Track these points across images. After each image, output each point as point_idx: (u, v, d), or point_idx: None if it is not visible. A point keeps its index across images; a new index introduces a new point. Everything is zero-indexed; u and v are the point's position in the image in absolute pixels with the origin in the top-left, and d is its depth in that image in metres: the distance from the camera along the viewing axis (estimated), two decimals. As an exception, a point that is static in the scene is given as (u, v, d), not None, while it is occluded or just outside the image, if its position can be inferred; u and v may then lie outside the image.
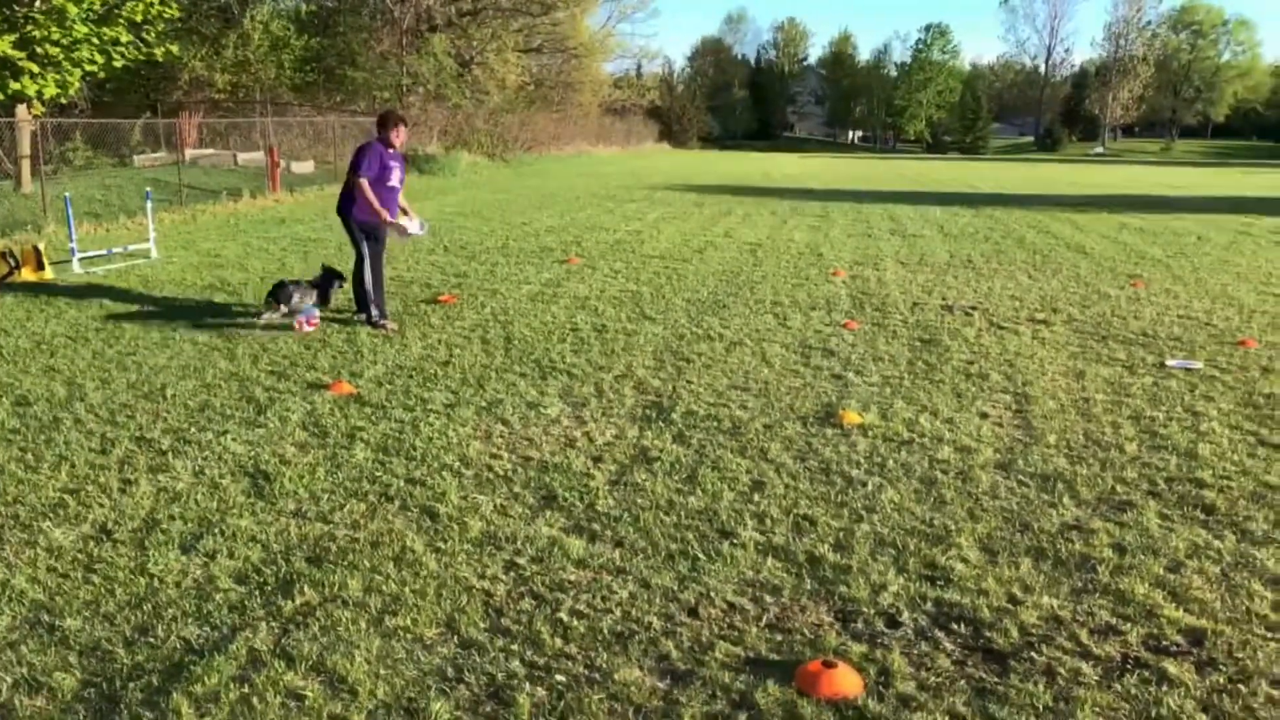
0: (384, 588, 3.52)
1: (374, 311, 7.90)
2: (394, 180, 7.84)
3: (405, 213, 8.13)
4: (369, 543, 3.89)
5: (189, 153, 23.63)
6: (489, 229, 15.20)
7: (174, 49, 18.90)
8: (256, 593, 3.46)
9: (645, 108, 70.55)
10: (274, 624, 3.25)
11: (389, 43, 35.49)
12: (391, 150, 7.84)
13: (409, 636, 3.19)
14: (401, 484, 4.53)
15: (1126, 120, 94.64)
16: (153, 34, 17.28)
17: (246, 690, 2.87)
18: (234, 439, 5.10)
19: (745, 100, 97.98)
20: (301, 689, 2.88)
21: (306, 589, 3.49)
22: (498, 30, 41.06)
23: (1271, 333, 8.16)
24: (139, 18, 16.32)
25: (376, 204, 7.65)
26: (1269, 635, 3.31)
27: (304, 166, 24.81)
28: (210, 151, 25.51)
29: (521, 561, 3.75)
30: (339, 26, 35.08)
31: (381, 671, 2.98)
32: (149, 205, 12.06)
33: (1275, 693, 2.97)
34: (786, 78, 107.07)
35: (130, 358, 6.78)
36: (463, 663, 3.04)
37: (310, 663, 3.02)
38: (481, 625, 3.27)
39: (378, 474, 4.65)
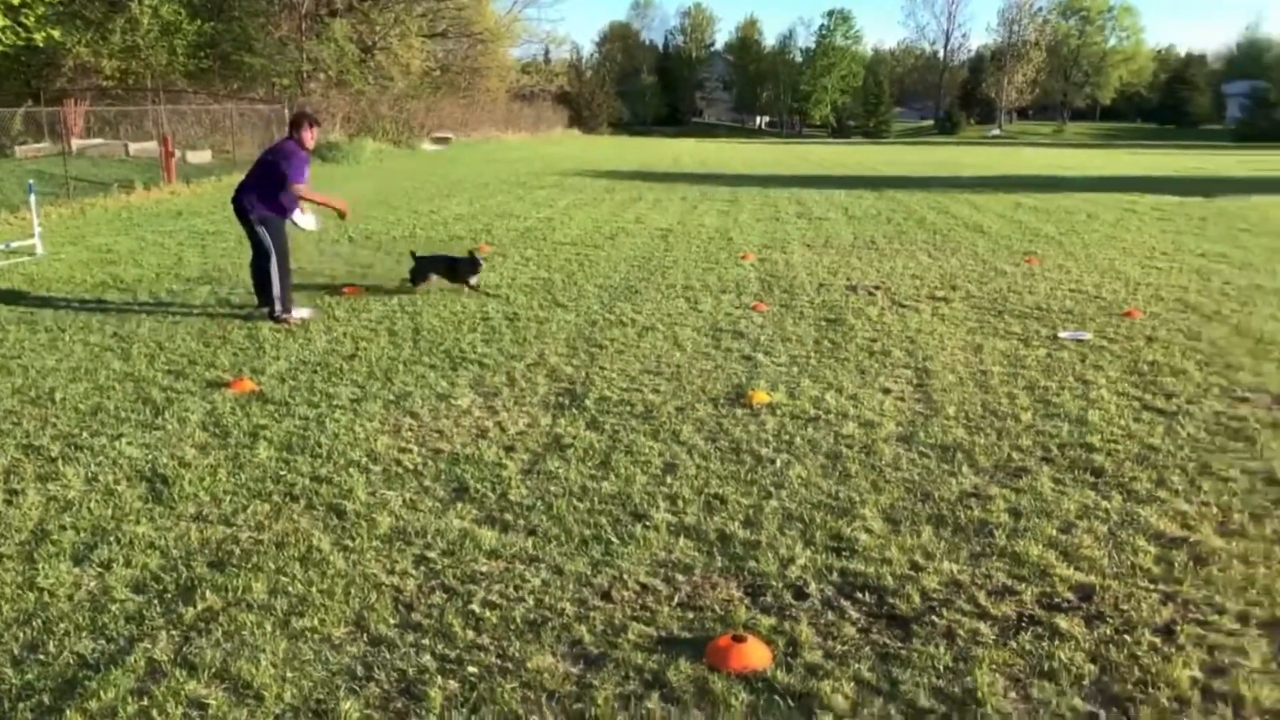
0: (290, 589, 3.44)
1: (279, 306, 7.73)
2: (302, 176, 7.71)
3: (301, 209, 8.10)
4: (274, 544, 3.81)
5: (76, 143, 22.62)
6: (395, 218, 14.94)
7: (55, 34, 18.06)
8: (155, 601, 3.36)
9: (554, 93, 70.04)
10: (174, 632, 3.15)
11: (288, 27, 34.54)
12: (305, 152, 7.79)
13: (316, 637, 3.13)
14: (307, 482, 4.43)
15: (1021, 103, 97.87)
16: (32, 18, 16.49)
17: (146, 703, 2.78)
18: (129, 442, 4.92)
19: (654, 86, 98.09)
20: (204, 698, 2.81)
21: (209, 594, 3.39)
22: (400, 15, 40.28)
23: (1155, 304, 8.56)
24: (16, 1, 15.52)
25: (318, 202, 8.12)
26: (1152, 588, 3.48)
27: (201, 156, 23.98)
28: (99, 141, 24.44)
29: (432, 555, 3.71)
30: (234, 10, 33.91)
31: (289, 674, 2.92)
32: (33, 199, 11.51)
33: (1157, 640, 3.13)
34: (694, 63, 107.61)
35: (15, 361, 6.48)
36: (373, 660, 3.00)
37: (213, 670, 2.94)
38: (391, 621, 3.23)
39: (282, 473, 4.55)
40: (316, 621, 3.22)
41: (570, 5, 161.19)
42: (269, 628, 3.18)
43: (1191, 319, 7.91)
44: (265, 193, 7.69)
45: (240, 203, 7.76)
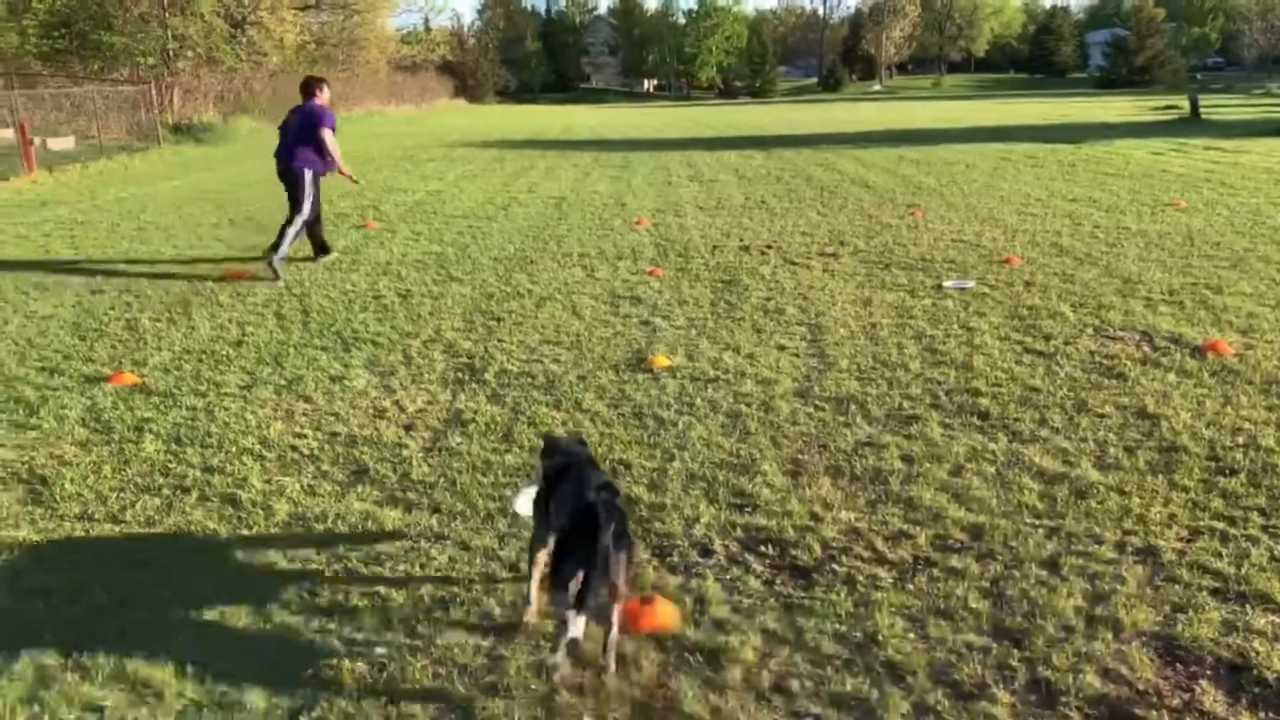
0: (187, 583, 3.34)
1: (282, 250, 8.61)
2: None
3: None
4: (166, 539, 3.68)
5: (-81, 134, 21.09)
6: (277, 198, 14.40)
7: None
8: (42, 605, 3.21)
9: (437, 64, 68.41)
10: (65, 636, 3.03)
11: (148, 3, 32.71)
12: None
13: (217, 630, 3.05)
14: (198, 474, 4.29)
15: (900, 58, 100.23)
16: None
17: (37, 710, 2.67)
18: (1, 444, 4.67)
19: (539, 53, 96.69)
20: (100, 699, 2.71)
21: (99, 594, 3.27)
22: (269, -14, 38.58)
23: (1032, 249, 8.92)
24: None
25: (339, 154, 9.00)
26: (1037, 523, 3.66)
27: (63, 143, 22.62)
28: (-55, 131, 22.84)
29: (334, 539, 3.64)
30: (88, -15, 31.95)
31: (190, 670, 2.84)
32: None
33: (1044, 573, 3.30)
34: (578, 28, 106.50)
35: None
36: (278, 648, 2.94)
37: (108, 671, 2.84)
38: (295, 608, 3.16)
39: (171, 466, 4.39)
40: (217, 614, 3.13)
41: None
42: (163, 624, 3.08)
43: (1065, 262, 8.28)
44: (310, 148, 8.86)
45: (290, 165, 8.84)
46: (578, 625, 2.57)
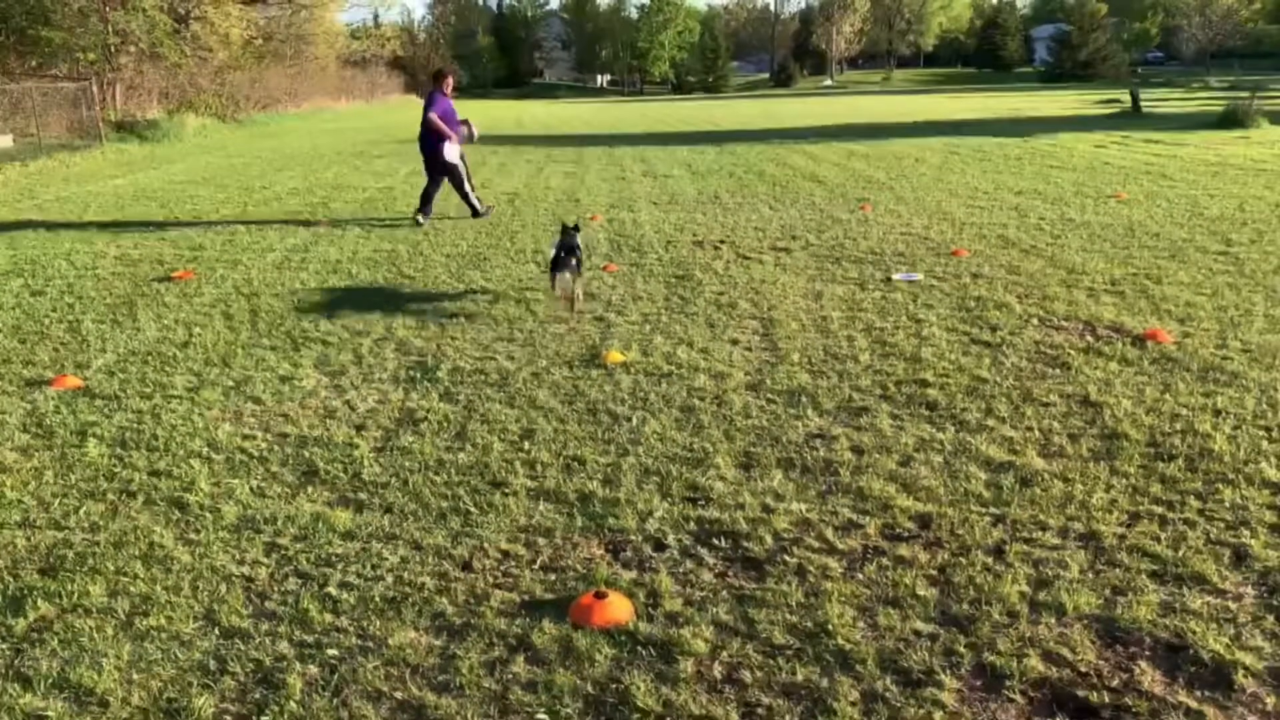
0: (132, 589, 3.28)
1: (478, 206, 11.41)
2: (456, 118, 11.18)
3: (447, 137, 10.93)
4: (111, 544, 3.61)
5: None
6: (225, 196, 14.20)
7: None
8: (-19, 616, 3.14)
9: (387, 59, 67.70)
10: (4, 646, 2.96)
11: (87, -3, 31.90)
12: (443, 96, 11.04)
13: (164, 635, 3.00)
14: (144, 477, 4.21)
15: (850, 53, 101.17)
16: None
17: (-23, 722, 2.62)
18: (-62, 452, 4.55)
19: (491, 47, 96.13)
20: (42, 710, 2.66)
21: (40, 603, 3.20)
22: (214, -20, 37.83)
23: (978, 242, 9.06)
24: None
25: (444, 128, 10.85)
26: (984, 511, 3.73)
27: (0, 141, 22.07)
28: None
29: (283, 541, 3.61)
30: (23, -20, 31.07)
31: (135, 676, 2.79)
32: None
33: (990, 560, 3.37)
34: (531, 23, 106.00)
35: None
36: (226, 653, 2.90)
37: (51, 680, 2.78)
38: (244, 612, 3.13)
39: (116, 470, 4.31)
40: (163, 620, 3.08)
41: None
42: (110, 631, 3.03)
43: (1012, 254, 8.43)
44: (426, 131, 10.97)
45: (421, 143, 11.19)
46: (567, 280, 6.72)
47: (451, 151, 10.96)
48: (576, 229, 7.18)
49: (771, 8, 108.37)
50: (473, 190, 11.41)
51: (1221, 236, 8.98)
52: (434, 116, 10.78)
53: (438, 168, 11.06)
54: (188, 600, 3.21)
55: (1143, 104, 28.41)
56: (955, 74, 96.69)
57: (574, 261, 6.75)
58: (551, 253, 6.96)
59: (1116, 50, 77.55)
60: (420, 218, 11.08)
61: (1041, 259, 8.21)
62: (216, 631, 3.02)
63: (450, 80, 11.32)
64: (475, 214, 11.30)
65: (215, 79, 35.57)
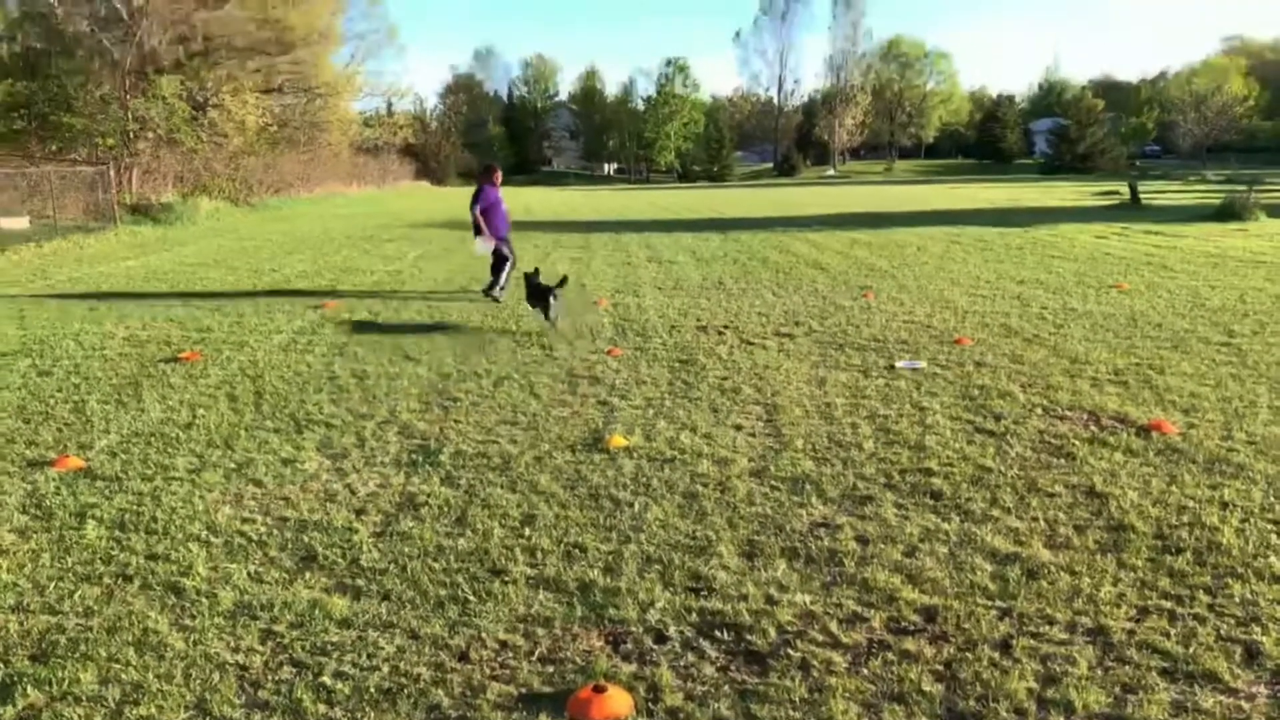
0: (123, 676, 3.23)
1: (499, 291, 11.67)
2: (502, 207, 11.70)
3: (481, 232, 11.36)
4: (105, 629, 3.56)
5: None
6: (234, 278, 14.38)
7: None
8: (-32, 704, 3.08)
9: (400, 146, 69.18)
10: (-9, 736, 2.90)
11: (110, 85, 32.85)
12: (492, 188, 11.53)
13: (154, 726, 2.94)
14: (141, 561, 4.18)
15: (852, 144, 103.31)
16: None
17: (-43, 816, 2.55)
18: (-64, 533, 4.52)
19: (501, 136, 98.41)
20: (26, 804, 2.59)
21: (30, 690, 3.14)
22: (233, 71, 39.00)
23: (981, 330, 9.11)
24: None
25: (482, 224, 11.35)
26: (990, 604, 3.68)
27: (17, 223, 22.39)
28: (-105, 212, 22.52)
29: (279, 629, 3.55)
30: (50, 69, 32.07)
31: (122, 769, 2.73)
32: None
33: (996, 655, 3.30)
34: (540, 113, 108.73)
35: None
36: (216, 745, 2.84)
37: (36, 773, 2.72)
38: (237, 702, 3.07)
39: (113, 553, 4.27)
40: (153, 709, 3.03)
41: (412, 58, 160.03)
42: (99, 723, 2.97)
43: (1015, 343, 8.46)
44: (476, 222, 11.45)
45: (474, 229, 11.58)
46: (556, 306, 9.25)
47: (481, 246, 11.43)
48: (536, 271, 9.48)
49: (775, 100, 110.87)
50: (507, 277, 11.75)
51: (1224, 327, 9.03)
52: (476, 212, 11.30)
53: (496, 252, 11.63)
54: (179, 689, 3.15)
55: (1141, 196, 28.87)
56: (955, 165, 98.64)
57: (549, 291, 9.23)
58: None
59: (1114, 144, 79.23)
60: (497, 293, 11.72)
61: (1044, 348, 8.24)
62: (207, 722, 2.96)
63: (499, 174, 11.92)
64: (488, 290, 11.69)
65: (230, 164, 36.34)
